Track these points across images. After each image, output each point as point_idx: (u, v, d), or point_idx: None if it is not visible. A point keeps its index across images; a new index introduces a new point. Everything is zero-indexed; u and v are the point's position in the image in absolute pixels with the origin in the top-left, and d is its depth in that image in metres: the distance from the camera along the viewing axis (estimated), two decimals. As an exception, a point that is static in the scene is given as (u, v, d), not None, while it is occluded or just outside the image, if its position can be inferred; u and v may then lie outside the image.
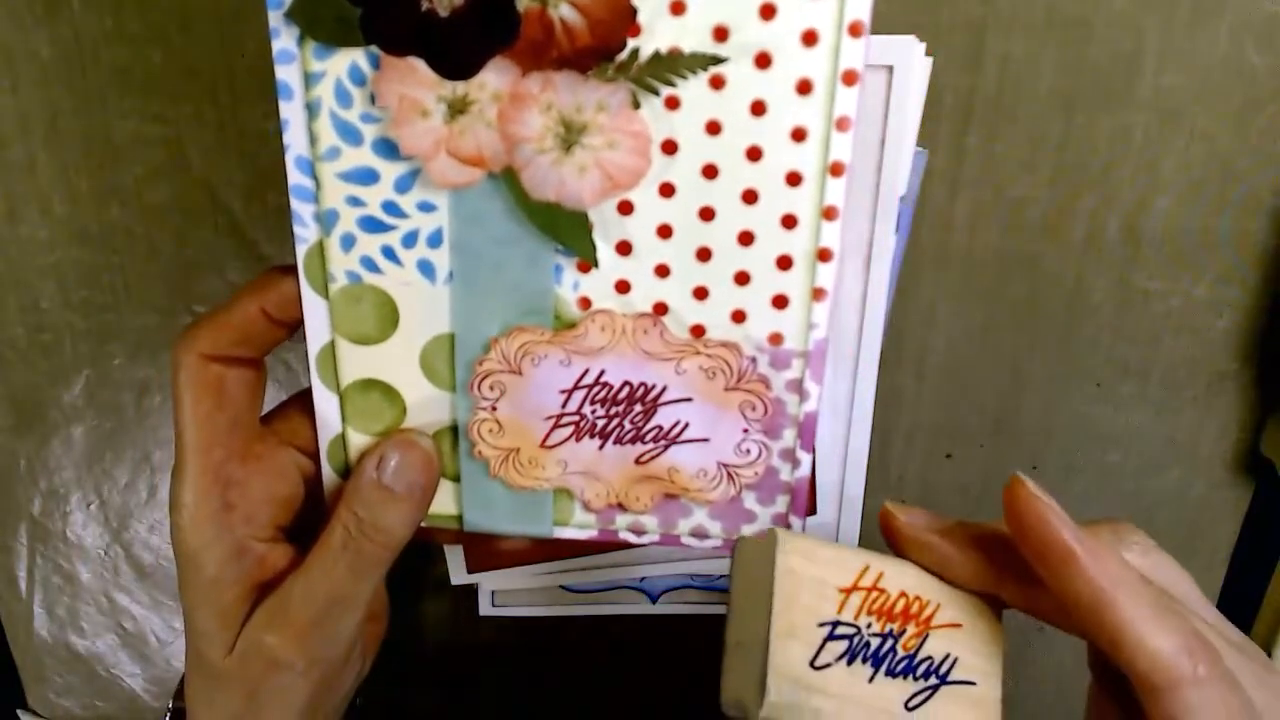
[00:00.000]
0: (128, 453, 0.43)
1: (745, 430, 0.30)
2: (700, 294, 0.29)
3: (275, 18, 0.27)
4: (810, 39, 0.26)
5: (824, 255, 0.28)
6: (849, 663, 0.26)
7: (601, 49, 0.26)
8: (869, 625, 0.27)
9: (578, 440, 0.31)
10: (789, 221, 0.28)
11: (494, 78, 0.27)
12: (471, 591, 0.42)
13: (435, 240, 0.29)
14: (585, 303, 0.29)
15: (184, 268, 0.40)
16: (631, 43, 0.26)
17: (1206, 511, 0.42)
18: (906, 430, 0.41)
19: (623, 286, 0.29)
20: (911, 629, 0.27)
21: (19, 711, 0.48)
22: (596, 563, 0.40)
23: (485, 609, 0.42)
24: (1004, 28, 0.35)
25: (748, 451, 0.31)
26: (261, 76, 0.37)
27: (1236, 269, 0.38)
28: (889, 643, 0.27)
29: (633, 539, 0.32)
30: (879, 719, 0.26)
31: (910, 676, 0.27)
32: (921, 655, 0.27)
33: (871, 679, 0.26)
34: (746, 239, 0.29)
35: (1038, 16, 0.35)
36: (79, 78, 0.37)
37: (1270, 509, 0.41)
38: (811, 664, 0.26)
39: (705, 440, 0.31)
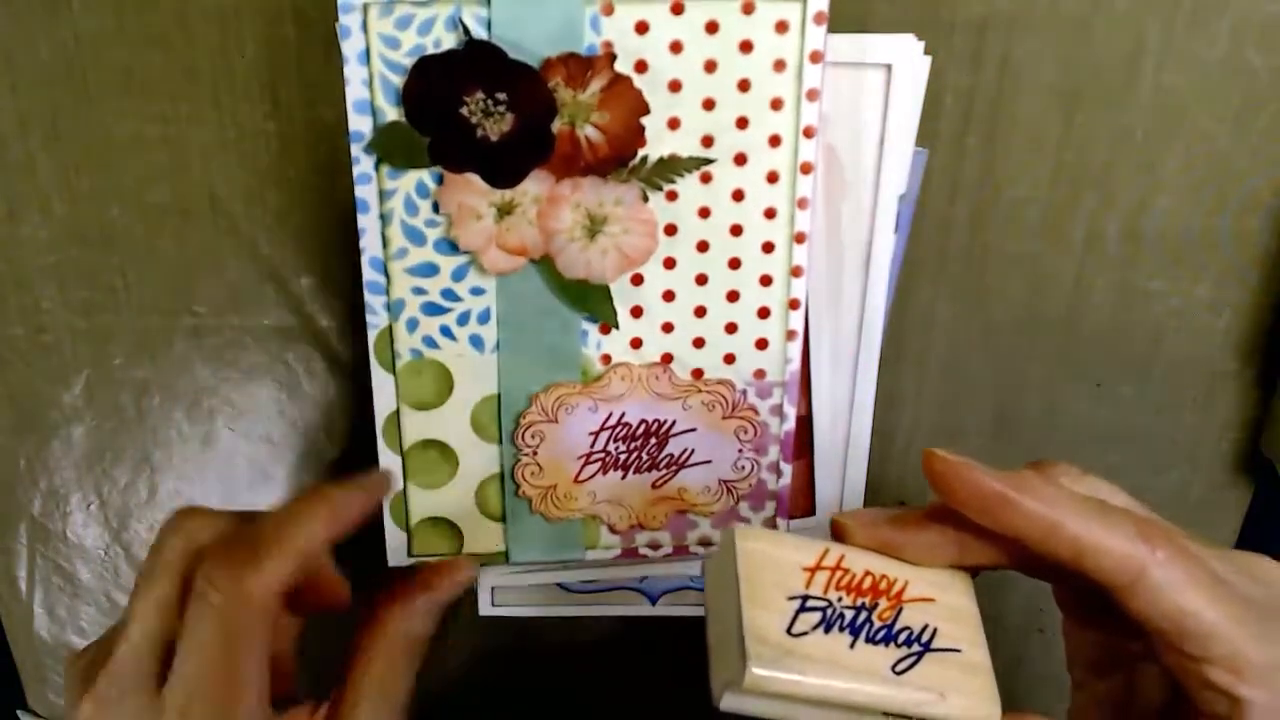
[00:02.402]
0: (128, 453, 0.43)
1: (740, 450, 0.37)
2: (699, 343, 0.36)
3: (356, 149, 0.33)
4: (775, 141, 0.34)
5: (794, 305, 0.35)
6: (826, 631, 0.26)
7: (618, 158, 0.34)
8: (839, 599, 0.27)
9: (604, 474, 0.37)
10: (765, 280, 0.35)
11: (534, 185, 0.34)
12: (471, 591, 0.42)
13: (484, 317, 0.35)
14: (606, 359, 0.36)
15: (184, 268, 0.40)
16: (641, 151, 0.34)
17: (1206, 511, 0.42)
18: (906, 430, 0.41)
19: (636, 343, 0.36)
20: (884, 603, 0.27)
21: (19, 712, 0.48)
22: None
23: (485, 608, 0.42)
24: (1004, 28, 0.35)
25: (742, 468, 0.37)
26: (261, 77, 0.37)
27: (1236, 269, 0.38)
28: (863, 614, 0.26)
29: (651, 554, 0.38)
30: (868, 682, 0.25)
31: (892, 644, 0.26)
32: (899, 625, 0.26)
33: (852, 645, 0.26)
34: (734, 297, 0.35)
35: (1038, 16, 0.35)
36: (79, 78, 0.37)
37: (1270, 509, 0.41)
38: (788, 631, 0.26)
39: (708, 462, 0.37)
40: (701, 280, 0.35)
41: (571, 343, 0.36)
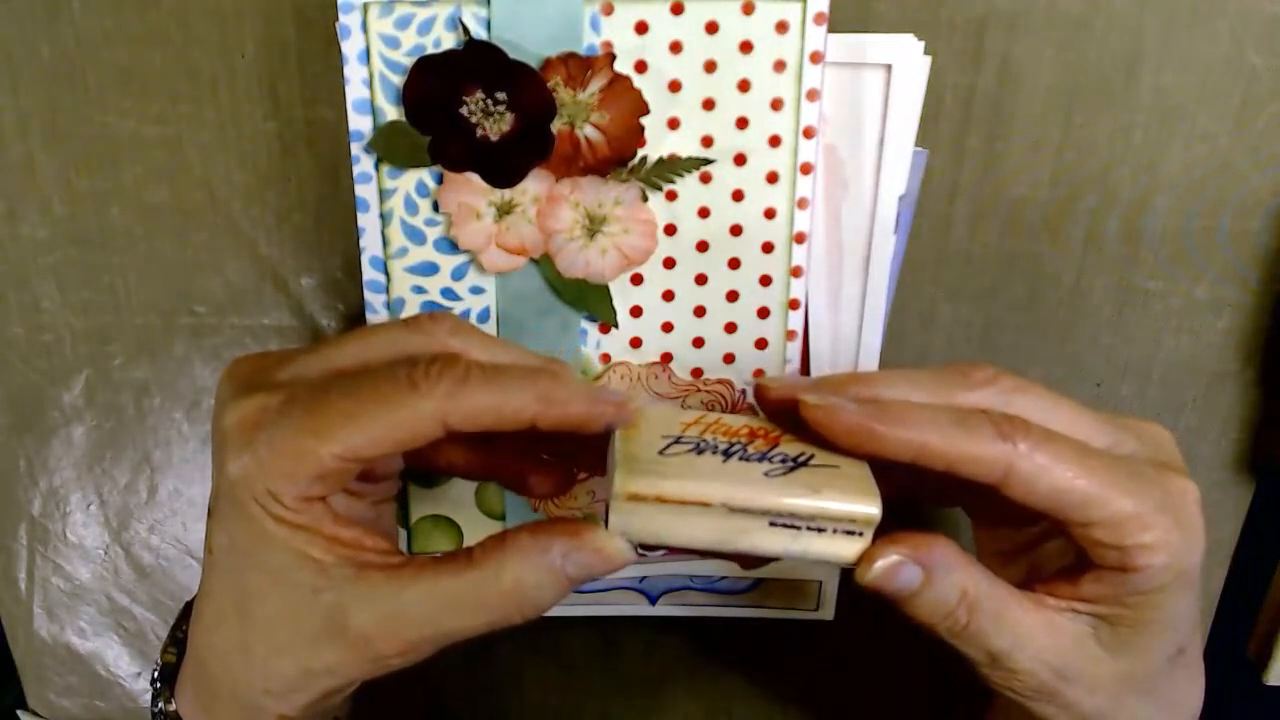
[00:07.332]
0: (128, 453, 0.43)
1: None
2: (698, 343, 0.36)
3: (356, 148, 0.34)
4: (775, 141, 0.34)
5: (793, 305, 0.36)
6: (698, 454, 0.26)
7: (617, 158, 0.34)
8: (714, 438, 0.27)
9: (603, 474, 0.35)
10: (765, 280, 0.35)
11: (533, 184, 0.34)
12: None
13: (484, 316, 0.36)
14: (605, 358, 0.36)
15: (184, 268, 0.40)
16: (640, 152, 0.34)
17: (1207, 511, 0.42)
18: (906, 430, 0.41)
19: (635, 342, 0.36)
20: (760, 440, 0.27)
21: (19, 712, 0.48)
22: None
23: (485, 609, 0.42)
24: (1004, 28, 0.35)
25: None
26: (261, 77, 0.37)
27: (1236, 269, 0.38)
28: (737, 445, 0.27)
29: (650, 554, 0.39)
30: (736, 485, 0.25)
31: (765, 462, 0.26)
32: (775, 452, 0.26)
33: (724, 462, 0.26)
34: (733, 296, 0.36)
35: (1038, 16, 0.35)
36: (79, 78, 0.37)
37: (1270, 509, 0.41)
38: (659, 453, 0.26)
39: None
40: (701, 280, 0.36)
41: (571, 342, 0.36)
